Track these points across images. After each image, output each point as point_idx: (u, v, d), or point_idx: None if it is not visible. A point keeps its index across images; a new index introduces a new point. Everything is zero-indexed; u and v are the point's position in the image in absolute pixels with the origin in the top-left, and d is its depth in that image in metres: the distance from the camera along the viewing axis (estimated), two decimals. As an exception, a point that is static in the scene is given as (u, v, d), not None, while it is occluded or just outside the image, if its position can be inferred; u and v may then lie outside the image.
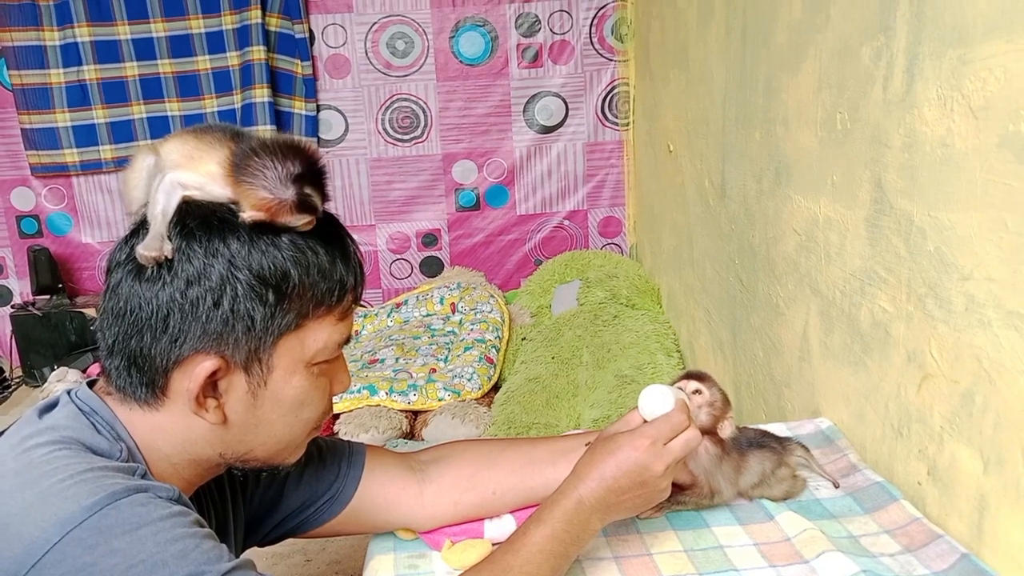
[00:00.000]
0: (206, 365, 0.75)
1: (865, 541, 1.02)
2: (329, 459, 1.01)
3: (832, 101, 1.28)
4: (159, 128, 2.86)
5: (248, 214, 0.75)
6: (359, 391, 2.24)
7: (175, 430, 0.80)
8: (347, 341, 0.84)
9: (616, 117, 2.94)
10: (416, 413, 2.26)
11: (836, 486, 1.14)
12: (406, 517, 1.02)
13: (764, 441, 1.11)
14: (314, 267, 0.78)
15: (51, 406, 0.81)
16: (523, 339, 2.63)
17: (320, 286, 0.78)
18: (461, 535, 1.03)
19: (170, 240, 0.75)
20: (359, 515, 1.01)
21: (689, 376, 1.05)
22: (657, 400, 0.95)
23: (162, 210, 0.76)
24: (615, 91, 2.91)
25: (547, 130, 2.95)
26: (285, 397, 0.80)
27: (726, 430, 1.03)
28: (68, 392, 0.82)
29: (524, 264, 3.07)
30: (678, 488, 1.09)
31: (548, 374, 2.29)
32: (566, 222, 3.05)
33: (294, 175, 0.75)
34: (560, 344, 2.42)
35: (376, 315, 2.85)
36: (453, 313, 2.76)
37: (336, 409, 2.23)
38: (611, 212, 3.05)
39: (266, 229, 0.76)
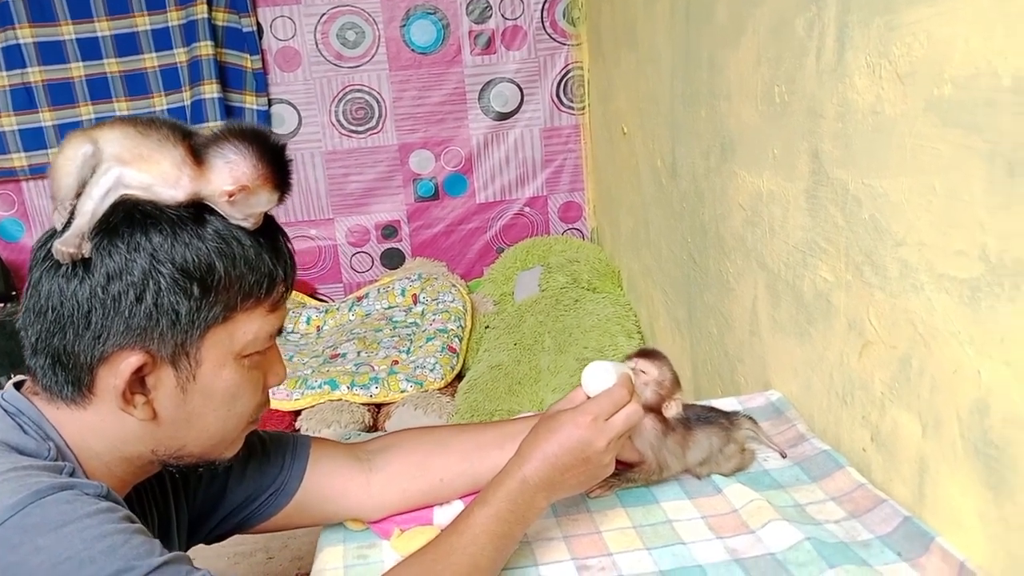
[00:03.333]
0: (131, 361, 0.74)
1: (811, 509, 1.03)
2: (273, 452, 0.99)
3: (770, 74, 1.28)
4: (108, 128, 2.80)
5: (225, 190, 0.74)
6: (320, 386, 2.23)
7: (105, 428, 0.78)
8: (279, 332, 0.83)
9: (572, 101, 2.94)
10: (379, 406, 2.25)
11: (784, 456, 1.15)
12: (353, 507, 1.01)
13: (711, 417, 1.11)
14: (240, 259, 0.76)
15: (-24, 411, 0.79)
16: (486, 327, 2.63)
17: (248, 278, 0.77)
18: (410, 523, 1.03)
19: (90, 239, 0.73)
20: (305, 507, 1.00)
21: (641, 353, 1.06)
22: (599, 376, 0.95)
23: (93, 209, 0.74)
24: (569, 75, 2.90)
25: (503, 116, 2.93)
26: (216, 391, 0.79)
27: (671, 410, 1.03)
28: (-7, 395, 0.80)
29: (486, 252, 3.06)
30: (627, 466, 1.10)
31: (510, 361, 2.29)
32: (526, 209, 3.04)
33: (265, 153, 0.76)
34: (522, 330, 2.42)
35: (337, 309, 2.83)
36: (415, 304, 2.75)
37: (297, 405, 2.22)
38: (571, 197, 3.04)
39: (191, 221, 0.75)
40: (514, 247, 2.94)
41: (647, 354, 1.06)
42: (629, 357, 1.06)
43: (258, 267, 0.77)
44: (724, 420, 1.12)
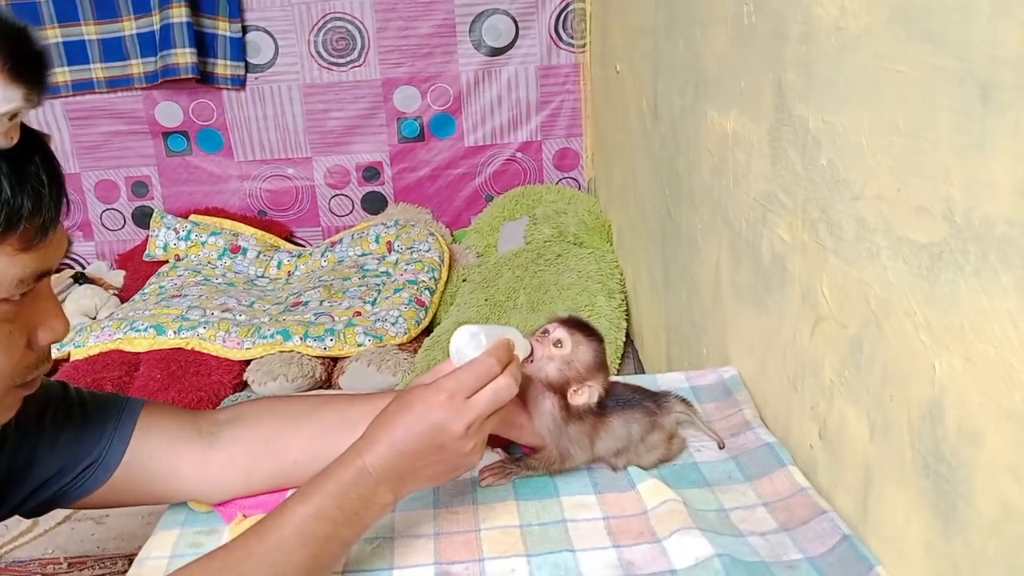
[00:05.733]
0: None
1: (736, 516, 0.86)
2: (94, 418, 0.84)
3: (740, -9, 1.07)
4: (76, 54, 2.64)
5: None
6: (272, 336, 2.08)
7: None
8: (40, 277, 0.66)
9: (571, 37, 2.69)
10: (335, 360, 2.10)
11: (721, 447, 0.98)
12: (187, 488, 0.86)
13: (634, 399, 0.93)
14: None
15: None
16: (464, 280, 2.46)
17: None
18: (256, 508, 0.87)
19: None
20: (131, 485, 0.85)
21: (564, 321, 0.88)
22: (466, 343, 0.78)
23: None
24: (569, 8, 2.66)
25: (496, 52, 2.70)
26: (-55, 345, 0.63)
27: (579, 398, 0.86)
28: None
29: (474, 200, 2.86)
30: (529, 451, 0.94)
31: (479, 318, 2.11)
32: (519, 154, 2.82)
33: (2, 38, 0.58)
34: (497, 286, 2.24)
35: (310, 255, 2.67)
36: (389, 252, 2.58)
37: (248, 355, 2.07)
38: (567, 143, 2.82)
39: None
40: (503, 195, 2.74)
41: (569, 323, 0.88)
42: (549, 321, 0.89)
43: None
44: (650, 403, 0.94)
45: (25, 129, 0.64)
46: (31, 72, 0.61)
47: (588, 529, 0.84)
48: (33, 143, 0.64)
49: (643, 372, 1.98)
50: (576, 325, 0.88)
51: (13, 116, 0.61)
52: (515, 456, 0.94)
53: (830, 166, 0.81)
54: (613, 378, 0.97)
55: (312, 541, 0.69)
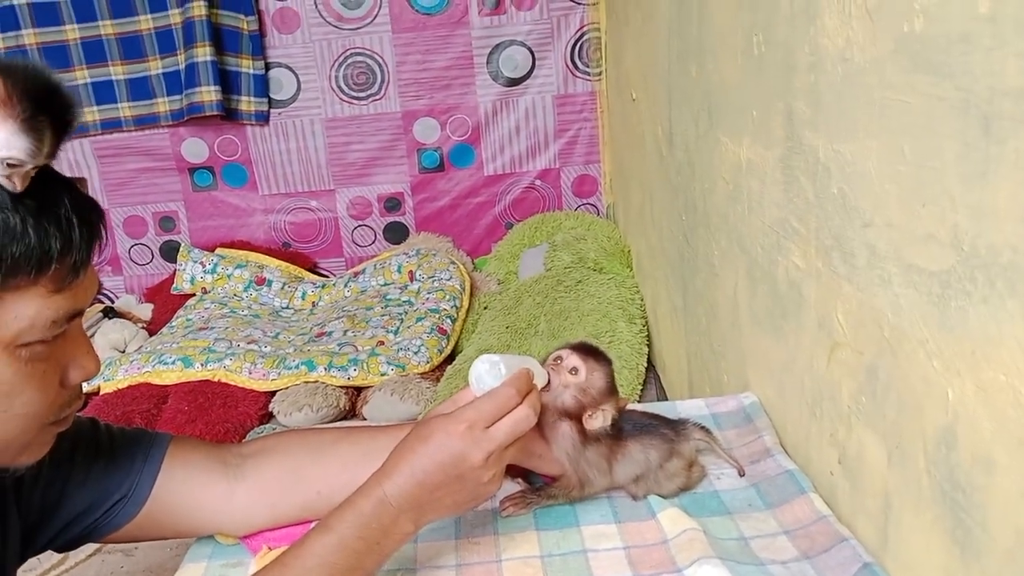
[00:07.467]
0: None
1: (757, 544, 0.85)
2: (122, 453, 0.86)
3: (750, 21, 1.09)
4: (105, 94, 2.72)
5: None
6: (297, 367, 2.10)
7: None
8: (73, 317, 0.69)
9: (587, 66, 2.73)
10: (359, 389, 2.12)
11: (741, 474, 0.98)
12: (214, 521, 0.88)
13: (651, 425, 0.94)
14: None
15: None
16: (485, 308, 2.47)
17: (9, 251, 0.62)
18: (281, 541, 0.88)
19: None
20: (159, 518, 0.87)
21: (576, 347, 0.89)
22: (486, 372, 0.80)
23: None
24: (585, 37, 2.69)
25: (513, 82, 2.74)
26: (-19, 386, 0.65)
27: (594, 422, 0.87)
28: None
29: (494, 228, 2.88)
30: (549, 479, 0.94)
31: (500, 345, 2.13)
32: (538, 182, 2.85)
33: (27, 90, 0.59)
34: (518, 313, 2.26)
35: (334, 285, 2.70)
36: (411, 282, 2.60)
37: (273, 386, 2.10)
38: (585, 170, 2.84)
39: None
40: (522, 223, 2.77)
41: (581, 349, 0.89)
42: (562, 348, 0.90)
43: (24, 239, 0.62)
44: (668, 430, 0.95)
45: (52, 173, 0.66)
46: (46, 132, 0.60)
47: (608, 559, 0.85)
48: (61, 186, 0.67)
49: (666, 399, 1.98)
50: (588, 351, 0.89)
51: (13, 165, 0.60)
52: (535, 486, 0.95)
53: (840, 194, 0.82)
54: (631, 406, 0.98)
55: (335, 571, 0.70)
